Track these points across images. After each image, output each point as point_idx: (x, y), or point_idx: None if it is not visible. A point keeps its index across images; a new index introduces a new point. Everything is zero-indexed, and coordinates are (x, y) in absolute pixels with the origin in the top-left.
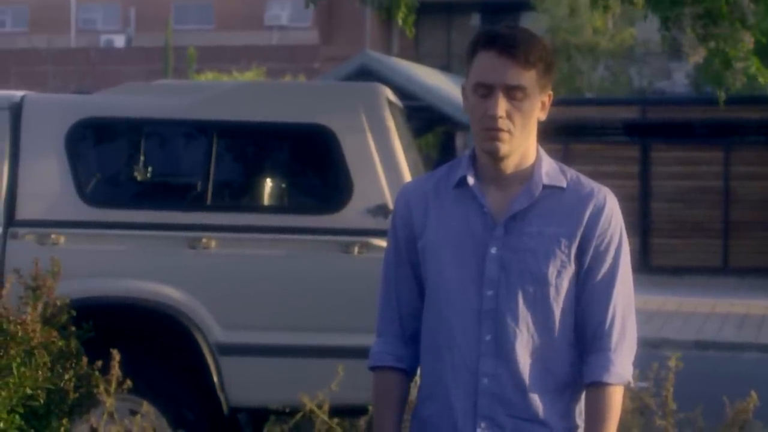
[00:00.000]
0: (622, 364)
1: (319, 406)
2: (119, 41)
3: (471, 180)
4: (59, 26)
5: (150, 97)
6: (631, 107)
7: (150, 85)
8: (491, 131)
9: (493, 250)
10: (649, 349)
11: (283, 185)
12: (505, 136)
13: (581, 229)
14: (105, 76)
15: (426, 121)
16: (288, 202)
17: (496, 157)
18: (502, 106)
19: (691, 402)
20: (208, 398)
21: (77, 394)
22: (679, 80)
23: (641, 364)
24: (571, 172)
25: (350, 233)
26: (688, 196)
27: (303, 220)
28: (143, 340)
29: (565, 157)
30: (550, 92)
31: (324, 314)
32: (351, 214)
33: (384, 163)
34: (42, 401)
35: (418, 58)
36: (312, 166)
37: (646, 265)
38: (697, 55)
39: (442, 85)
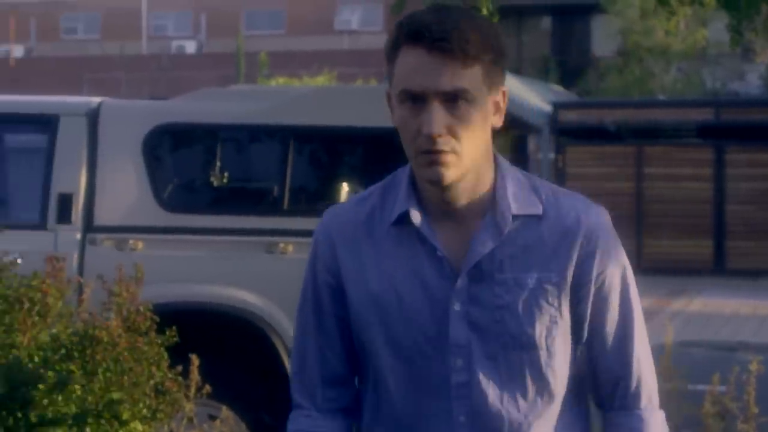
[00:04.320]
0: (656, 423)
1: None
2: (190, 47)
3: (417, 217)
4: (131, 33)
5: (226, 102)
6: (704, 109)
7: (225, 90)
8: (430, 155)
9: (457, 307)
10: (725, 352)
11: (359, 189)
12: (449, 158)
13: (572, 271)
14: (176, 83)
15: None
16: None
17: (441, 187)
18: (439, 119)
19: None
20: (287, 402)
21: (159, 400)
22: (752, 81)
23: (720, 367)
24: (545, 189)
25: None
26: (762, 198)
27: None
28: (221, 345)
29: (638, 160)
30: (504, 88)
31: None
32: None
33: None
34: (126, 406)
35: None
36: (387, 169)
37: (721, 268)
38: (764, 55)
39: (514, 89)
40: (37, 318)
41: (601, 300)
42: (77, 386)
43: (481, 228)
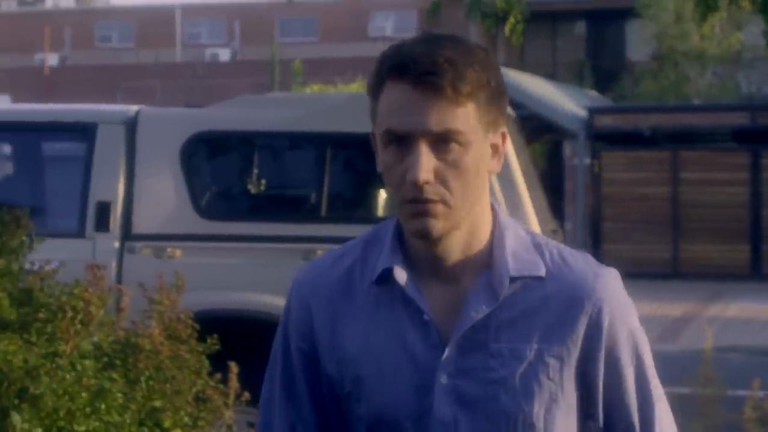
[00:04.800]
0: None
1: None
2: (224, 55)
3: (402, 276)
4: (165, 41)
5: (263, 109)
6: (739, 113)
7: (262, 97)
8: (416, 204)
9: (443, 380)
10: (763, 357)
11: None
12: (438, 209)
13: (579, 344)
14: (211, 91)
15: (532, 130)
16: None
17: (428, 241)
18: (427, 164)
19: None
20: None
21: (200, 408)
22: None
23: (759, 373)
24: (550, 248)
25: None
26: None
27: None
28: (260, 352)
29: (674, 165)
30: (504, 129)
31: None
32: None
33: (498, 173)
34: (168, 414)
35: (524, 67)
36: None
37: (757, 272)
38: None
39: (548, 94)
40: (79, 326)
41: (616, 377)
42: (119, 394)
43: (475, 290)
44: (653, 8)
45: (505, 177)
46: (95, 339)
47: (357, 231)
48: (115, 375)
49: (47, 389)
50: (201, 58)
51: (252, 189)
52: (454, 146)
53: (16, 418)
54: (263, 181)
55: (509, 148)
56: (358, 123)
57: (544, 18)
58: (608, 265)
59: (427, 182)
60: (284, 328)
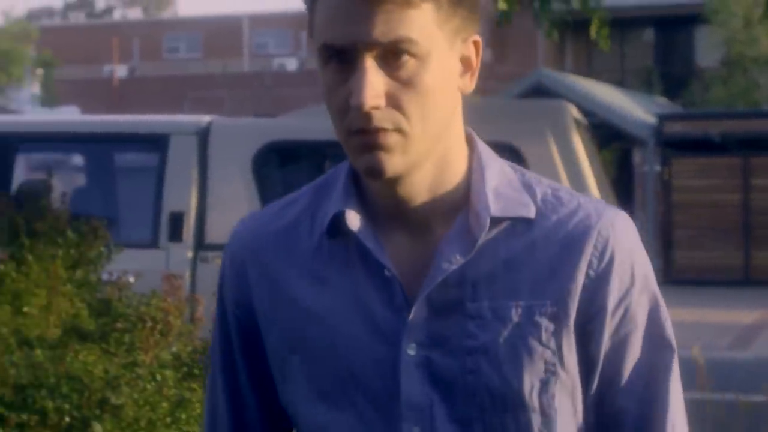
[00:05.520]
0: None
1: None
2: (291, 64)
3: (355, 222)
4: (232, 51)
5: None
6: None
7: None
8: (364, 136)
9: (411, 351)
10: None
11: None
12: (392, 140)
13: (577, 297)
14: (279, 100)
15: (602, 137)
16: None
17: (383, 180)
18: (374, 84)
19: None
20: None
21: None
22: None
23: None
24: (543, 186)
25: None
26: None
27: None
28: None
29: (745, 172)
30: (476, 37)
31: None
32: None
33: (571, 181)
34: None
35: (592, 75)
36: None
37: None
38: None
39: (617, 102)
40: (158, 336)
41: (620, 343)
42: (198, 404)
43: (448, 236)
44: (722, 14)
45: (578, 183)
46: (174, 349)
47: None
48: (194, 385)
49: (128, 399)
50: (268, 68)
51: None
52: (408, 60)
53: (97, 428)
54: None
55: (476, 61)
56: None
57: (613, 25)
58: (680, 273)
59: (375, 107)
60: (219, 297)
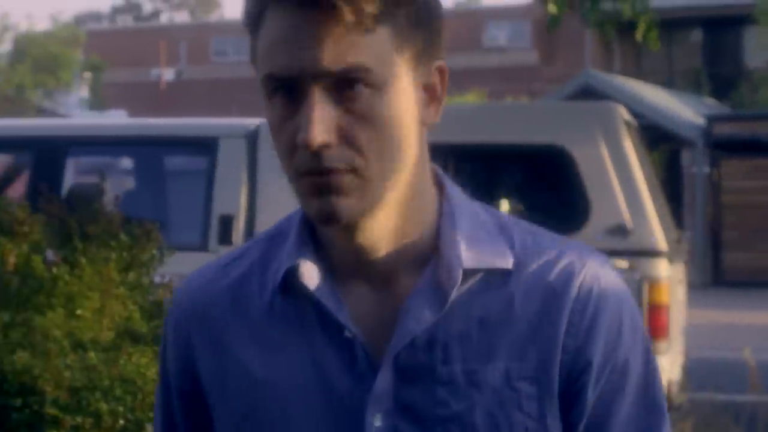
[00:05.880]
0: None
1: None
2: None
3: (311, 276)
4: None
5: None
6: None
7: None
8: (314, 178)
9: (377, 422)
10: None
11: (519, 206)
12: (345, 181)
13: (559, 357)
14: None
15: (650, 139)
16: None
17: (338, 227)
18: (325, 119)
19: None
20: None
21: None
22: None
23: None
24: (522, 231)
25: None
26: None
27: None
28: None
29: None
30: (440, 62)
31: None
32: (589, 235)
33: (622, 183)
34: None
35: (640, 76)
36: (548, 186)
37: None
38: None
39: (665, 103)
40: None
41: (605, 409)
42: None
43: (416, 292)
44: None
45: (628, 186)
46: None
47: None
48: None
49: None
50: None
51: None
52: (362, 90)
53: (150, 430)
54: None
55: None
56: (482, 133)
57: (660, 26)
58: (729, 275)
59: (325, 144)
60: (162, 360)
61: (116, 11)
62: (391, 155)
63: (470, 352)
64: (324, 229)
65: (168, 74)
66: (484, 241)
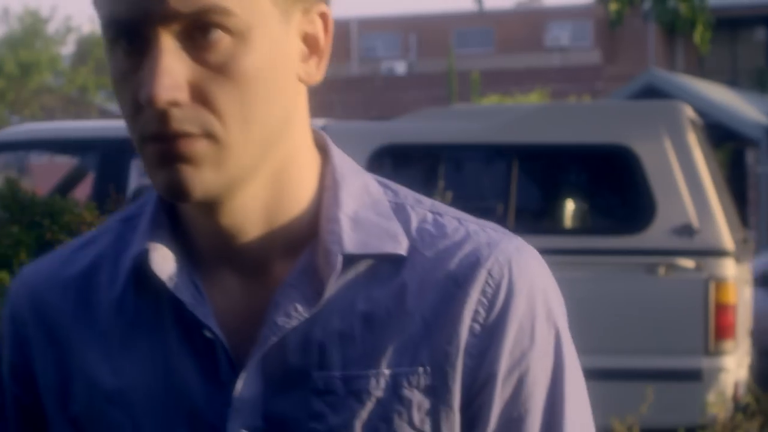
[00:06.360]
0: None
1: (629, 429)
2: (400, 68)
3: (163, 264)
4: (341, 55)
5: (449, 121)
6: None
7: (447, 109)
8: (159, 144)
9: None
10: None
11: (585, 206)
12: (198, 148)
13: (460, 362)
14: (388, 104)
15: (715, 138)
16: (590, 223)
17: (196, 207)
18: (173, 72)
19: None
20: None
21: None
22: None
23: None
24: (421, 210)
25: (655, 254)
26: None
27: (606, 241)
28: None
29: None
30: (323, 7)
31: (630, 336)
32: (655, 234)
33: (688, 182)
34: None
35: (704, 74)
36: (613, 186)
37: None
38: None
39: (729, 101)
40: None
41: (512, 425)
42: None
43: (287, 283)
44: None
45: (694, 185)
46: None
47: (545, 242)
48: None
49: None
50: (376, 72)
51: (438, 201)
52: (220, 38)
53: None
54: (449, 193)
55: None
56: (546, 133)
57: (724, 25)
58: None
59: (173, 103)
60: None
61: None
62: (256, 118)
63: (352, 355)
64: (183, 207)
65: None
66: (374, 221)
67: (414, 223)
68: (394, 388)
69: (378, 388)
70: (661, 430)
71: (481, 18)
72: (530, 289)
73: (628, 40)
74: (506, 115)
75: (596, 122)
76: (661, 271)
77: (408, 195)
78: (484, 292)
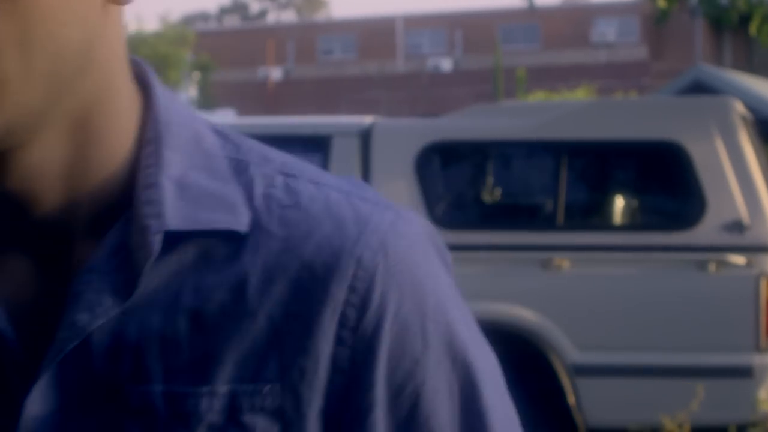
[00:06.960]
0: None
1: (680, 427)
2: (446, 64)
3: None
4: (386, 52)
5: (497, 118)
6: None
7: (495, 106)
8: None
9: None
10: None
11: (634, 202)
12: None
13: (322, 380)
14: (434, 100)
15: (765, 133)
16: (640, 220)
17: None
18: None
19: None
20: (564, 420)
21: None
22: None
23: None
24: (270, 170)
25: (705, 250)
26: None
27: (656, 237)
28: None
29: None
30: None
31: (680, 333)
32: (705, 231)
33: (738, 178)
34: None
35: (752, 70)
36: (663, 182)
37: None
38: None
39: None
40: None
41: None
42: None
43: (90, 268)
44: None
45: (745, 182)
46: None
47: (595, 238)
48: None
49: None
50: (422, 69)
51: (487, 198)
52: None
53: None
54: (498, 190)
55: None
56: (596, 129)
57: None
58: None
59: None
60: None
61: (223, 11)
62: (42, 42)
63: (177, 364)
64: None
65: (275, 73)
66: (205, 186)
67: (259, 188)
68: (232, 411)
69: (211, 410)
70: (712, 427)
71: (527, 14)
72: (414, 277)
73: (675, 36)
74: (555, 112)
75: (646, 118)
76: (712, 267)
77: (253, 149)
78: (352, 288)
